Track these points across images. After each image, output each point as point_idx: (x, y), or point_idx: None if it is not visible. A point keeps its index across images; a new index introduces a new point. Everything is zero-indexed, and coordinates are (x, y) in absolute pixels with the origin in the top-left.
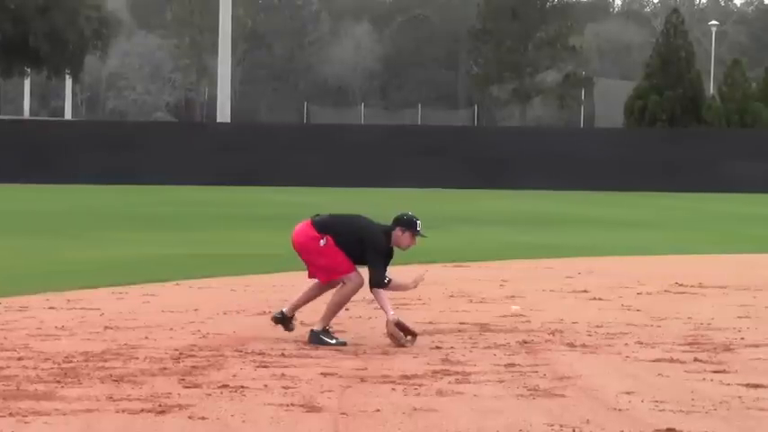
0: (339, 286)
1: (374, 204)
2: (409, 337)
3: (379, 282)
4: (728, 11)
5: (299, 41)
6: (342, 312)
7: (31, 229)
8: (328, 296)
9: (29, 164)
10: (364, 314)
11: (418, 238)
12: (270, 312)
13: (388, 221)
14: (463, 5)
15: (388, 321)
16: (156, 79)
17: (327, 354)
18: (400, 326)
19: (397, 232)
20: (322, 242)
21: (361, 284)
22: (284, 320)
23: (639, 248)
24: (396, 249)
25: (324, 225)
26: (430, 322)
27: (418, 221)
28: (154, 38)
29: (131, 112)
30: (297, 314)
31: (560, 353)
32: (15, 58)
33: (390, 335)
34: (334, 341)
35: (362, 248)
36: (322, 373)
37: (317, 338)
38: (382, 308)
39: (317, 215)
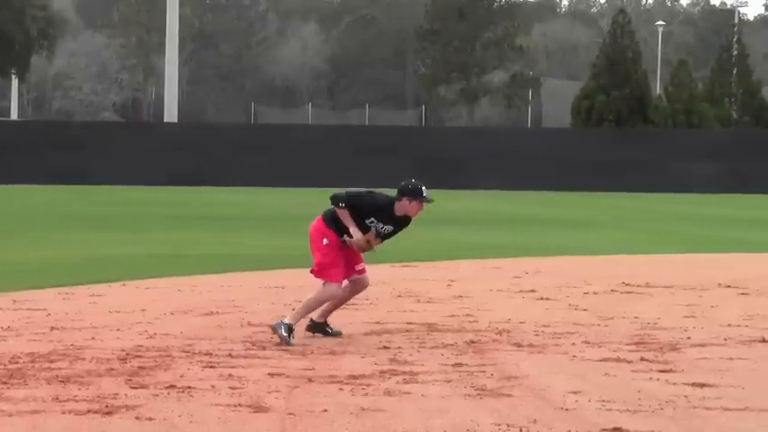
0: (321, 287)
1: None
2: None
3: (335, 201)
4: (675, 11)
5: (247, 41)
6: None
7: None
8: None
9: None
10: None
11: (425, 204)
12: (217, 312)
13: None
14: (410, 6)
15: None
16: (102, 79)
17: (275, 354)
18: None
19: (404, 202)
20: (325, 241)
21: (336, 296)
22: (317, 327)
23: (586, 248)
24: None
25: (331, 217)
26: (377, 322)
27: (423, 187)
28: (100, 37)
29: (78, 112)
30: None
31: (507, 352)
32: None
33: (353, 243)
34: (290, 339)
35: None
36: (269, 374)
37: (280, 329)
38: (347, 225)
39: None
